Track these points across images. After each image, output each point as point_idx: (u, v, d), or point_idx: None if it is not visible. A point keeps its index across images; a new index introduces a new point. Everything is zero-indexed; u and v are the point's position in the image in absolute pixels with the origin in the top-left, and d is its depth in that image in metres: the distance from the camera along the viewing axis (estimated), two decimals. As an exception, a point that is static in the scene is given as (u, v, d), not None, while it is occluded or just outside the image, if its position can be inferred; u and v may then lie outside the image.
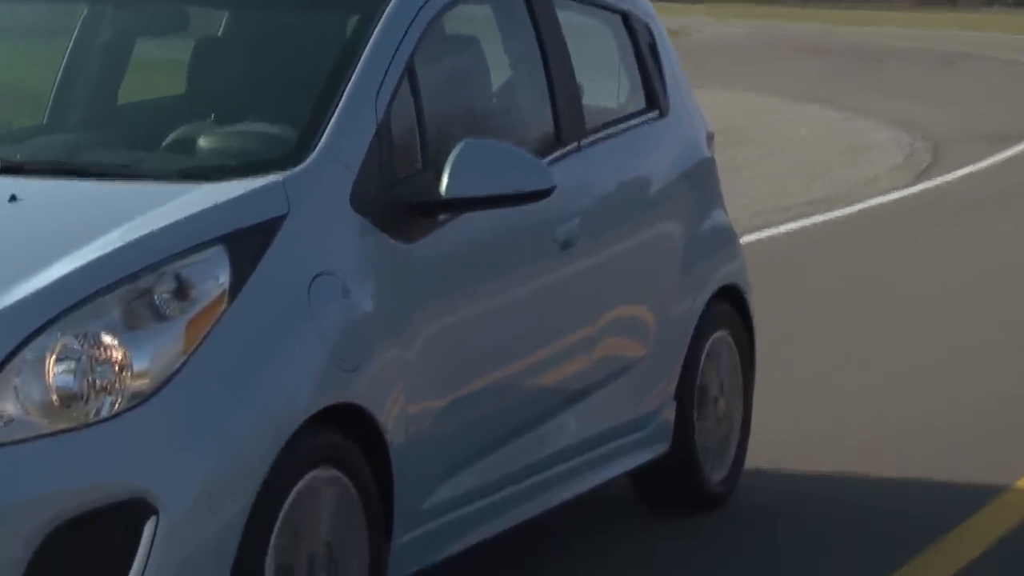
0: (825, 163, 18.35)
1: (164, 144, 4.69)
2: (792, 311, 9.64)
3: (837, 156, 19.05)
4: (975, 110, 24.35)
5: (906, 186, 16.57)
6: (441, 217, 4.61)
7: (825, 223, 13.90)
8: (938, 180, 17.02)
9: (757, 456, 6.34)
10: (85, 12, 5.29)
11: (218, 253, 4.03)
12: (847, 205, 14.91)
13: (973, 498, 6.19)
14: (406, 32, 4.71)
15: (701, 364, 5.92)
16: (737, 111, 22.52)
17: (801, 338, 9.08)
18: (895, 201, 15.53)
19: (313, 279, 4.19)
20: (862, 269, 11.67)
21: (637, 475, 5.77)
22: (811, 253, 12.58)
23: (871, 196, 15.65)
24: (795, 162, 18.38)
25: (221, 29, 5.23)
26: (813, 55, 38.66)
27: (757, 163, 17.96)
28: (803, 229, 13.50)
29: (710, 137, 6.33)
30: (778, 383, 7.44)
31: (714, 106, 22.57)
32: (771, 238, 12.76)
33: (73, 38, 5.29)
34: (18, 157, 4.61)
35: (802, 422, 7.16)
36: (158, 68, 5.41)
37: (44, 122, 5.19)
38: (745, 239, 11.90)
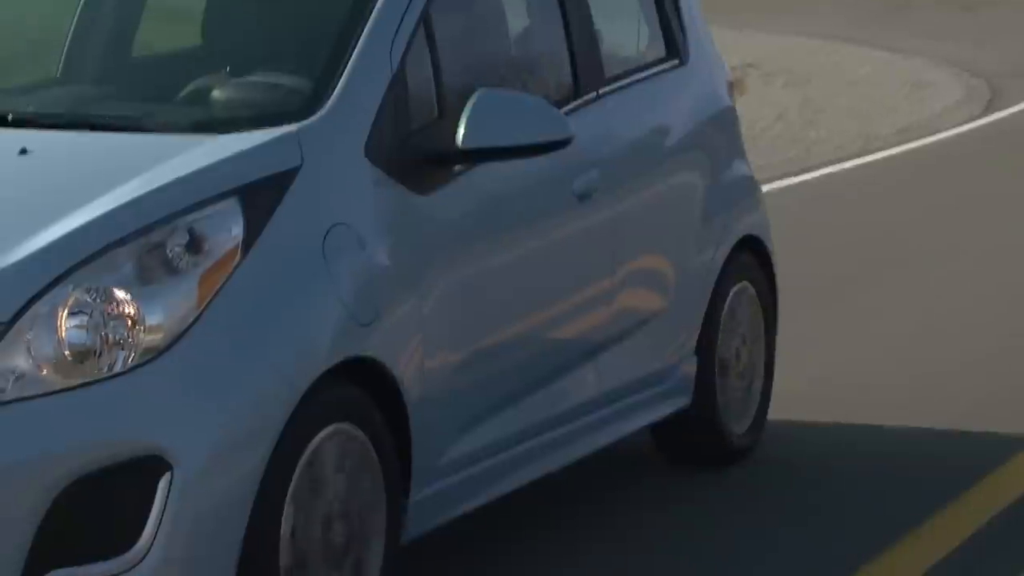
0: (893, 99, 18.98)
1: (178, 96, 4.66)
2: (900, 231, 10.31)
3: (903, 92, 19.67)
4: (1012, 48, 24.50)
5: (975, 118, 17.31)
6: (457, 168, 4.58)
7: (915, 151, 15.03)
8: (1004, 112, 17.71)
9: (783, 408, 6.29)
10: None
11: (231, 206, 4.00)
12: (930, 135, 15.88)
13: (1000, 451, 6.15)
14: None
15: (722, 316, 5.87)
16: (792, 54, 23.32)
17: (866, 275, 9.30)
18: (971, 130, 16.43)
19: (328, 231, 4.15)
20: (956, 191, 12.46)
21: (657, 429, 5.74)
22: (909, 176, 13.46)
23: (947, 128, 16.43)
24: (867, 98, 19.04)
25: None
26: (832, 2, 38.45)
27: (835, 99, 18.63)
28: (893, 157, 14.62)
29: (730, 85, 6.28)
30: (827, 324, 7.65)
31: (767, 48, 23.54)
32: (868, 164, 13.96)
33: None
34: (29, 109, 4.59)
35: (841, 367, 7.18)
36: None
37: (58, 75, 5.16)
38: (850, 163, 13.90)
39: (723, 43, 6.97)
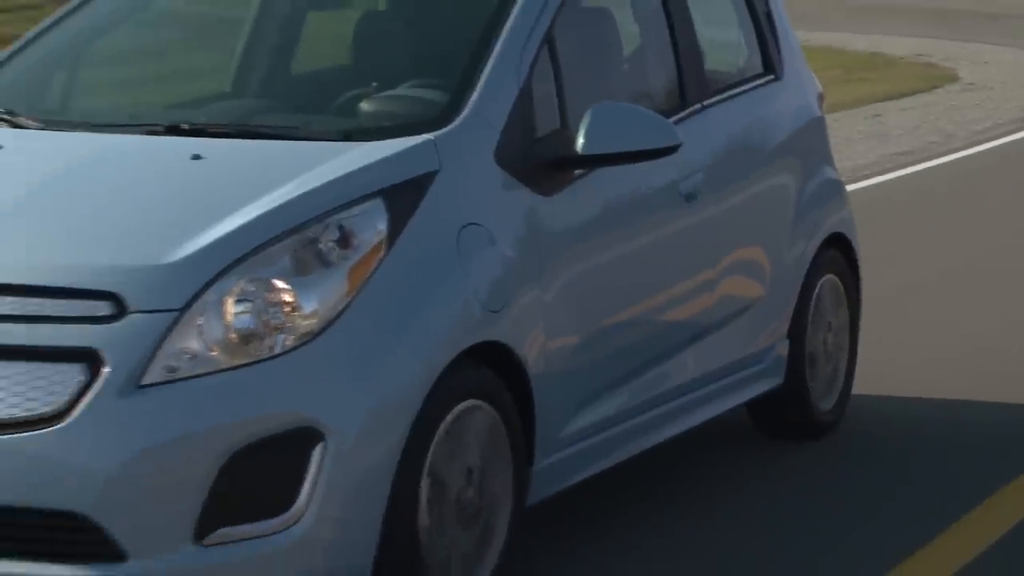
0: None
1: (330, 108, 4.66)
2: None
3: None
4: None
5: None
6: (577, 172, 4.53)
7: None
8: None
9: (869, 385, 6.20)
10: None
11: (377, 205, 3.98)
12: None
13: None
14: (545, 5, 4.63)
15: (811, 304, 5.77)
16: (944, 52, 24.18)
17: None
18: None
19: (461, 229, 4.12)
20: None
21: (753, 406, 5.66)
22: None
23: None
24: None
25: (380, 4, 5.19)
26: (917, 13, 38.00)
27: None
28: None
29: (820, 98, 6.18)
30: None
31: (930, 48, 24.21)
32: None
33: (253, 15, 5.26)
34: (202, 120, 4.59)
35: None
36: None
37: (228, 89, 5.18)
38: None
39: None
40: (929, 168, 13.53)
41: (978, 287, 8.61)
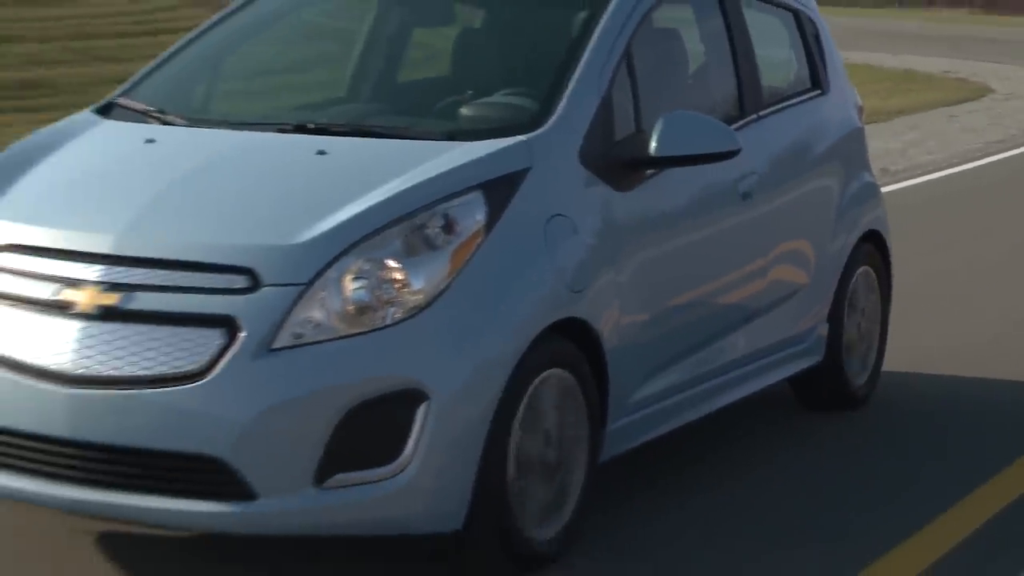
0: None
1: (434, 111, 4.64)
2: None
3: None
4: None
5: None
6: (649, 172, 4.48)
7: None
8: None
9: (900, 362, 6.14)
10: (375, 10, 5.27)
11: (477, 197, 3.97)
12: None
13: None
14: (624, 25, 4.59)
15: (848, 291, 5.71)
16: (968, 70, 24.78)
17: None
18: None
19: (549, 219, 4.10)
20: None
21: (794, 380, 5.60)
22: None
23: None
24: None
25: (478, 22, 5.16)
26: (931, 39, 37.55)
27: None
28: None
29: (860, 110, 6.10)
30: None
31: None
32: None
33: (366, 30, 5.26)
34: (324, 120, 4.59)
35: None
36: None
37: (344, 94, 5.17)
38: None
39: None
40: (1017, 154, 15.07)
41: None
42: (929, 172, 13.47)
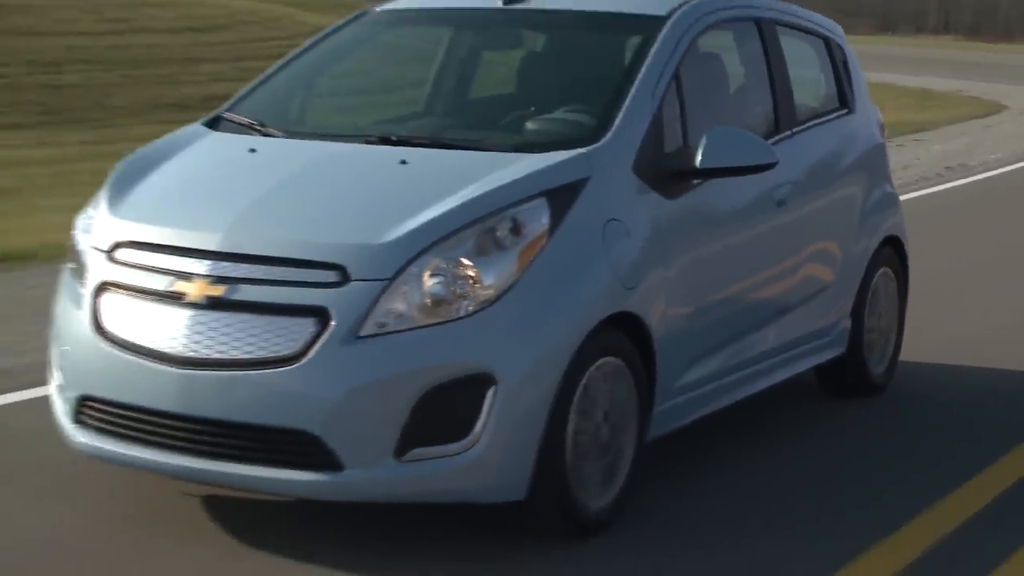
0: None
1: (502, 126, 4.63)
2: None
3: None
4: None
5: None
6: (695, 181, 4.46)
7: None
8: None
9: (917, 353, 6.07)
10: (449, 35, 5.25)
11: (541, 203, 3.96)
12: None
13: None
14: (673, 50, 4.56)
15: (870, 289, 5.66)
16: (978, 90, 24.90)
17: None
18: None
19: (605, 223, 4.08)
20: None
21: (819, 369, 5.56)
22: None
23: None
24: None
25: (541, 46, 5.14)
26: (937, 62, 37.10)
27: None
28: None
29: (882, 127, 6.03)
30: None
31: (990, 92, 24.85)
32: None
33: (441, 53, 5.25)
34: (405, 133, 4.59)
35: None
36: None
37: (422, 110, 5.17)
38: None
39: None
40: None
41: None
42: (1003, 166, 14.70)
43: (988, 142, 16.74)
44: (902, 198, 6.28)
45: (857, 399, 5.66)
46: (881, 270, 5.75)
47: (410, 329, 3.70)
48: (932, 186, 12.84)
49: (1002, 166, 14.62)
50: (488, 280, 3.78)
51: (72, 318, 4.01)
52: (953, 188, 12.86)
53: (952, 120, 19.70)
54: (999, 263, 8.95)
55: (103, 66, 21.57)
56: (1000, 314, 7.33)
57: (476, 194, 3.93)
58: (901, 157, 14.65)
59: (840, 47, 5.78)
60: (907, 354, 6.03)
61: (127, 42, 23.39)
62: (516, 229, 3.88)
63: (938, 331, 6.77)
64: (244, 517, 4.10)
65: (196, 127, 4.66)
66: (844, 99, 5.71)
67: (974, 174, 13.85)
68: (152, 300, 3.85)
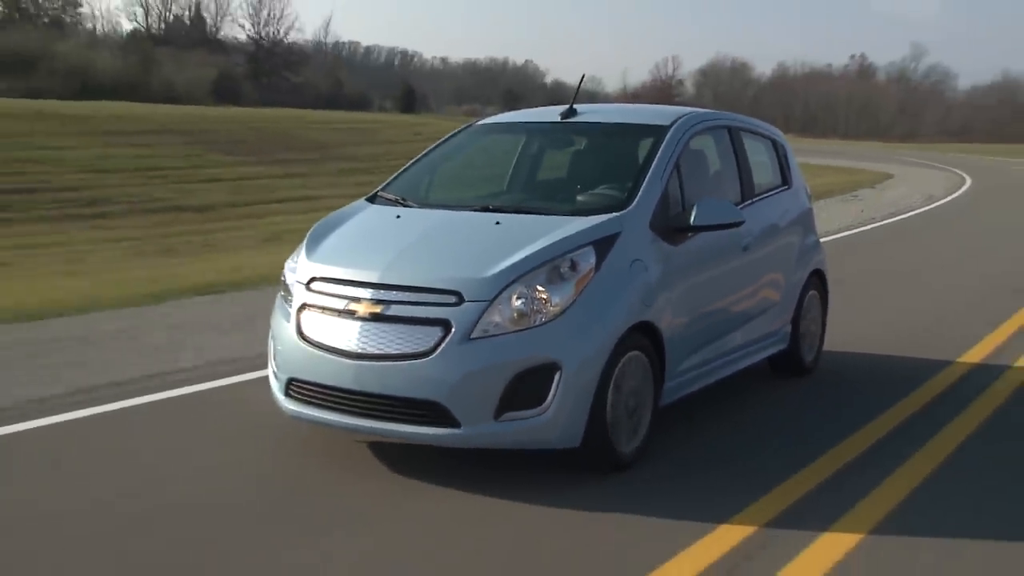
0: None
1: (560, 198, 4.51)
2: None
3: None
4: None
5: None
6: (689, 234, 4.32)
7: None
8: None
9: (839, 343, 5.86)
10: (524, 139, 5.16)
11: (589, 250, 3.86)
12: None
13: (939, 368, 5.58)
14: (675, 149, 4.45)
15: (803, 305, 5.46)
16: (867, 167, 24.77)
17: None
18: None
19: (632, 263, 3.96)
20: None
21: (771, 359, 5.37)
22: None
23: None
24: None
25: (584, 145, 5.02)
26: (819, 153, 36.28)
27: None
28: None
29: (809, 196, 5.83)
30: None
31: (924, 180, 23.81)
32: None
33: (519, 150, 5.15)
34: (498, 204, 4.49)
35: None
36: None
37: (505, 188, 5.07)
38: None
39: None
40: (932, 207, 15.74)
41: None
42: (912, 209, 15.09)
43: (894, 192, 17.44)
44: (838, 236, 6.03)
45: (795, 379, 5.45)
46: (810, 292, 5.56)
47: (504, 334, 3.62)
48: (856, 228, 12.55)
49: (912, 209, 14.93)
50: (555, 301, 3.69)
51: (283, 327, 3.97)
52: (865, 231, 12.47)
53: (861, 184, 20.18)
54: (893, 278, 8.65)
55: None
56: (889, 314, 7.05)
57: (546, 244, 3.84)
58: (847, 207, 15.10)
59: (782, 144, 5.62)
60: (828, 346, 5.82)
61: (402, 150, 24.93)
62: (573, 267, 3.79)
63: (848, 331, 6.52)
64: (395, 457, 4.01)
65: (361, 202, 4.60)
66: (785, 178, 5.53)
67: (901, 213, 14.48)
68: (334, 316, 3.80)
